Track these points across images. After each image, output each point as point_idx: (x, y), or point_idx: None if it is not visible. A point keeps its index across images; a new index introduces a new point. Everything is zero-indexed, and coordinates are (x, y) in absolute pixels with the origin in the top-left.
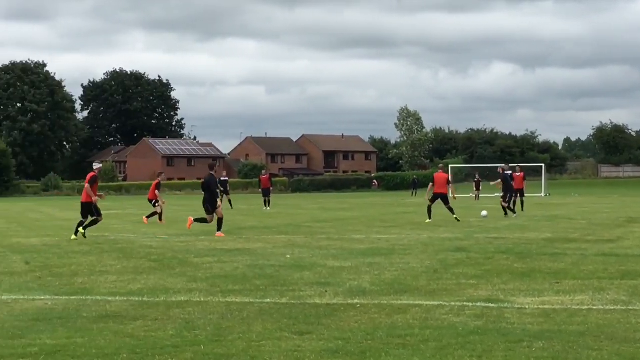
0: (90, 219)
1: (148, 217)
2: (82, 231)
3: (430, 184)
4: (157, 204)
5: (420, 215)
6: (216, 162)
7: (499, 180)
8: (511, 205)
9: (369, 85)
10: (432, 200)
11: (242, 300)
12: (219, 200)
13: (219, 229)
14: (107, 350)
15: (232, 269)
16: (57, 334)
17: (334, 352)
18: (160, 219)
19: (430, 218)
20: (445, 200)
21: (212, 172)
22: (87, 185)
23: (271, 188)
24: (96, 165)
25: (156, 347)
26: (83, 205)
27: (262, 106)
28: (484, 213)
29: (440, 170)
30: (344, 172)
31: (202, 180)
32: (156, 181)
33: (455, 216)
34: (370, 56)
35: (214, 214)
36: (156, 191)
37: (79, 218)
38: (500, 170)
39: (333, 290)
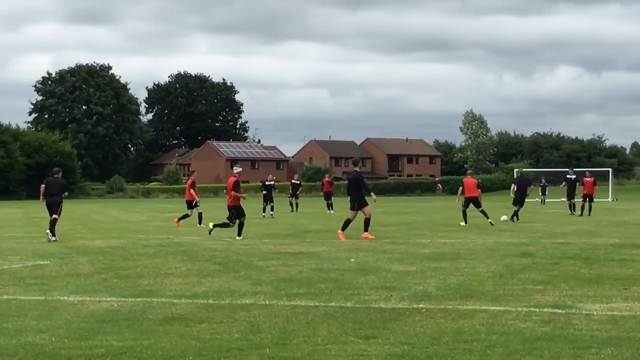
0: (223, 221)
1: (179, 219)
2: (239, 237)
3: (460, 188)
4: (197, 205)
5: (484, 220)
6: (359, 159)
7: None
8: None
9: (433, 88)
10: (466, 205)
11: (307, 304)
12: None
13: (365, 229)
14: (172, 352)
15: (296, 272)
16: (123, 335)
17: (399, 357)
18: (200, 222)
19: (465, 222)
20: (477, 204)
21: (357, 169)
22: (232, 192)
23: (331, 192)
24: (237, 169)
25: (222, 349)
26: (230, 208)
27: (326, 109)
28: (504, 218)
29: (469, 176)
30: (408, 175)
31: (348, 178)
32: (190, 181)
33: (489, 220)
34: (434, 59)
35: (362, 212)
36: (191, 190)
37: (143, 220)
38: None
39: (398, 294)
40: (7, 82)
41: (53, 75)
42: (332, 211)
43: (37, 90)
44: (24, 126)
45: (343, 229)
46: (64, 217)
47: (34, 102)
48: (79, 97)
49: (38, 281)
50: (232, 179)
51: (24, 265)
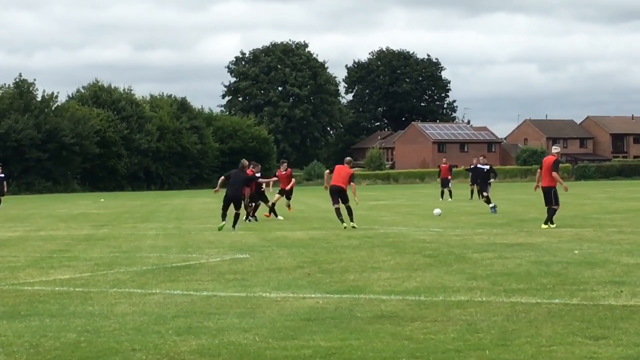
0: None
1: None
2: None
3: None
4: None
5: None
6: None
7: None
8: None
9: None
10: None
11: (528, 301)
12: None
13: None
14: (384, 353)
15: (514, 265)
16: (330, 335)
17: None
18: (270, 211)
19: None
20: None
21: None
22: (553, 173)
23: (450, 178)
24: (555, 149)
25: (437, 351)
26: (545, 190)
27: (536, 86)
28: None
29: None
30: (634, 157)
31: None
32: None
33: None
34: None
35: None
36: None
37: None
38: None
39: (629, 290)
40: (198, 64)
41: (247, 55)
42: (450, 199)
43: (230, 71)
44: (217, 110)
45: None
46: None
47: (227, 84)
48: (274, 77)
49: (238, 276)
50: (553, 158)
51: (222, 259)
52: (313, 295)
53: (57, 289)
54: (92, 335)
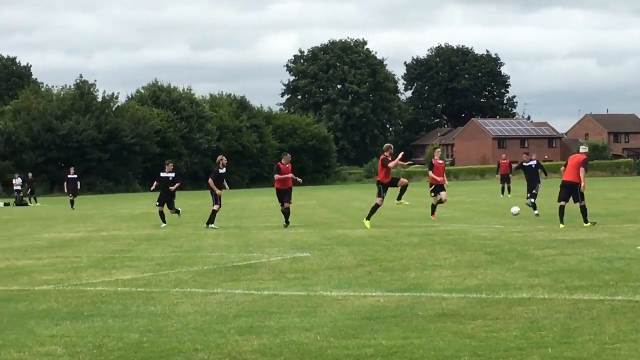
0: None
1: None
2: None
3: None
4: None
5: None
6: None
7: None
8: None
9: None
10: None
11: (591, 298)
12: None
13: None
14: (446, 352)
15: (576, 262)
16: (392, 334)
17: None
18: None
19: None
20: None
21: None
22: (582, 169)
23: (511, 175)
24: (584, 149)
25: (499, 349)
26: (572, 185)
27: (595, 80)
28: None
29: None
30: None
31: None
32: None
33: None
34: None
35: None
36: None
37: (405, 206)
38: None
39: None
40: (257, 63)
41: (305, 53)
42: (509, 195)
43: (289, 70)
44: (276, 108)
45: None
46: (321, 204)
47: (286, 82)
48: (333, 75)
49: (299, 275)
50: (582, 156)
51: (283, 258)
52: (374, 294)
53: (119, 289)
54: (154, 335)
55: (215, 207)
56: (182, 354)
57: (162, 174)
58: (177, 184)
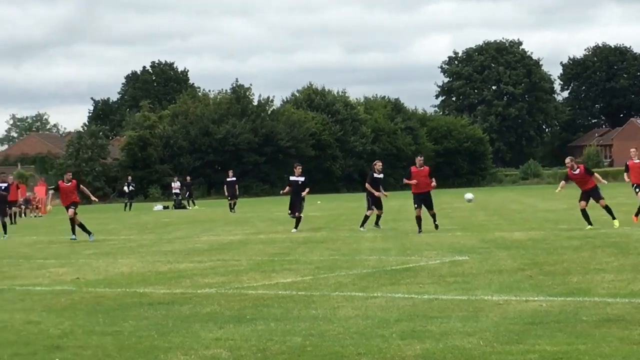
0: None
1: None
2: None
3: None
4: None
5: None
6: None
7: None
8: None
9: None
10: None
11: None
12: None
13: None
14: (613, 358)
15: None
16: (556, 339)
17: None
18: None
19: None
20: None
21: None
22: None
23: None
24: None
25: None
26: None
27: None
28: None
29: None
30: None
31: None
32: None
33: None
34: None
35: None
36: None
37: (564, 208)
38: None
39: None
40: (411, 65)
41: (459, 54)
42: None
43: (443, 71)
44: (430, 110)
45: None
46: (477, 206)
47: (440, 84)
48: (488, 76)
49: (458, 279)
50: None
51: (442, 262)
52: (536, 298)
53: (280, 292)
54: (317, 339)
55: (368, 212)
56: (345, 358)
57: (291, 178)
58: (307, 189)
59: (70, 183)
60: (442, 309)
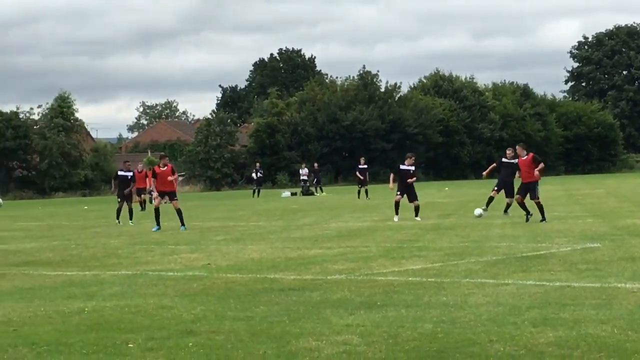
0: None
1: None
2: None
3: None
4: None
5: None
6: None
7: None
8: None
9: None
10: None
11: None
12: None
13: None
14: None
15: None
16: None
17: None
18: None
19: None
20: None
21: None
22: None
23: None
24: None
25: None
26: None
27: None
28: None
29: None
30: None
31: None
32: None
33: None
34: None
35: None
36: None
37: None
38: None
39: None
40: (539, 51)
41: (589, 39)
42: None
43: (573, 56)
44: (559, 96)
45: None
46: (608, 193)
47: (570, 69)
48: (619, 61)
49: (590, 266)
50: None
51: (573, 249)
52: None
53: (410, 279)
54: (448, 326)
55: (492, 193)
56: (477, 345)
57: (401, 167)
58: (414, 178)
59: (165, 167)
60: (575, 296)
